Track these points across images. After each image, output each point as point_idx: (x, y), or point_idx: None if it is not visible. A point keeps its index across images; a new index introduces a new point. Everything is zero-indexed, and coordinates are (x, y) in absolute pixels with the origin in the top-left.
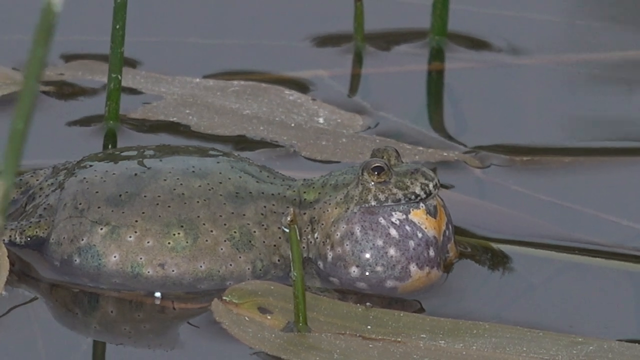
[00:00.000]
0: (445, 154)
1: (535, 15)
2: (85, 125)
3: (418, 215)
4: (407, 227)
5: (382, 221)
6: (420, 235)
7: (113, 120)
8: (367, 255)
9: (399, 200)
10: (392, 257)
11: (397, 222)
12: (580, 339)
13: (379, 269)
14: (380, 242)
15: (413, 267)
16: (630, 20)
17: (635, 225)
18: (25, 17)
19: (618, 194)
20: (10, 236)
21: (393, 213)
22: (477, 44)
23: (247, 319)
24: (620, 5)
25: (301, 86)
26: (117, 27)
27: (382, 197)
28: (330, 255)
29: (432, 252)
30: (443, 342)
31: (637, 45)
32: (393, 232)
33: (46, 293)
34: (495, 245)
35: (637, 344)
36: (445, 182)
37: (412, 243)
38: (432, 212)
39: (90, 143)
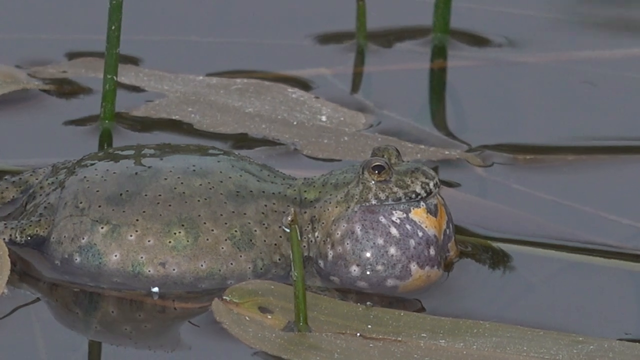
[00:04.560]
0: (447, 152)
1: (537, 12)
2: (81, 124)
3: (418, 214)
4: (408, 226)
5: (383, 220)
6: (420, 234)
7: (108, 119)
8: (368, 254)
9: (400, 199)
10: (392, 256)
11: (398, 221)
12: (580, 338)
13: (379, 267)
14: (380, 241)
15: (414, 266)
16: (633, 19)
17: (636, 224)
18: (25, 17)
19: (619, 193)
20: (10, 235)
21: (393, 212)
22: (479, 41)
23: (247, 318)
24: (623, 4)
25: (303, 84)
26: (113, 28)
27: (382, 196)
28: (330, 254)
29: (432, 251)
30: (443, 341)
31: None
32: (394, 230)
33: (47, 293)
34: (496, 244)
35: (637, 343)
36: (447, 180)
37: (412, 242)
38: (432, 211)
39: (85, 142)
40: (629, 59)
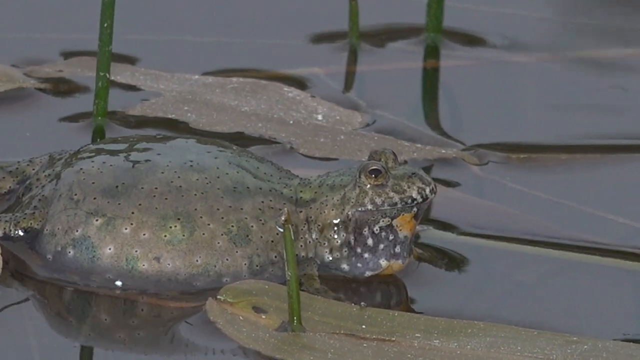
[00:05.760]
0: (443, 151)
1: (530, 12)
2: (74, 121)
3: (404, 218)
4: (383, 234)
5: (365, 232)
6: (391, 237)
7: (101, 116)
8: (353, 259)
9: (396, 204)
10: (366, 258)
11: (377, 231)
12: (574, 338)
13: (359, 265)
14: (359, 250)
15: (383, 261)
16: (626, 18)
17: (631, 223)
18: (21, 16)
19: (614, 192)
20: (4, 228)
21: (381, 220)
22: (472, 41)
23: (241, 318)
24: (616, 3)
25: (299, 83)
26: (105, 25)
27: (378, 200)
28: (329, 257)
29: (397, 249)
30: (437, 341)
31: (633, 43)
32: (370, 241)
33: (40, 291)
34: (491, 243)
35: (631, 343)
36: (443, 179)
37: (382, 245)
38: (418, 216)
39: (78, 139)
40: (622, 59)
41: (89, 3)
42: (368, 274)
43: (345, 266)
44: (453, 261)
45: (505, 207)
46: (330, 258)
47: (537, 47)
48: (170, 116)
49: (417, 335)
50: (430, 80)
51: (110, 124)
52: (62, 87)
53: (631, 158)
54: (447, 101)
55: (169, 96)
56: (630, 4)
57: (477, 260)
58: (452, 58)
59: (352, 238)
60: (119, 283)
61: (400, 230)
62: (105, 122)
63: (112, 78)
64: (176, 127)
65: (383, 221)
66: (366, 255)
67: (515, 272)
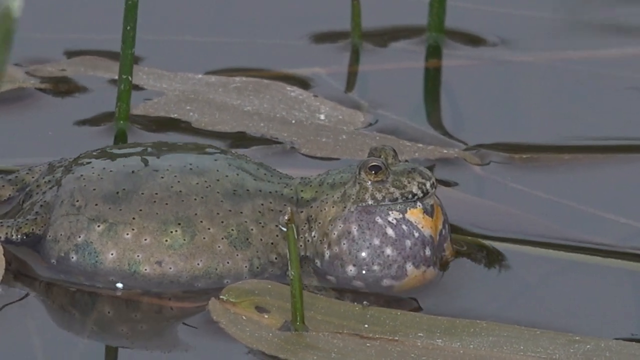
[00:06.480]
0: (445, 151)
1: (532, 12)
2: (95, 124)
3: (415, 214)
4: (404, 227)
5: (379, 220)
6: (416, 234)
7: (123, 120)
8: (364, 255)
9: (396, 199)
10: (388, 256)
11: (394, 222)
12: (577, 338)
13: (375, 268)
14: (377, 242)
15: (409, 267)
16: (627, 17)
17: (633, 223)
18: (25, 15)
19: (616, 192)
20: (6, 233)
21: (390, 212)
22: (474, 40)
23: (244, 318)
24: (618, 3)
25: (302, 83)
26: (128, 28)
27: (379, 196)
28: (327, 253)
29: (428, 252)
30: (440, 340)
31: (635, 43)
32: (390, 231)
33: (43, 292)
34: (493, 244)
35: (634, 342)
36: (444, 179)
37: (408, 242)
38: (429, 211)
39: (100, 142)
40: (623, 59)
41: (90, 2)
42: (387, 282)
43: (351, 268)
44: (491, 254)
45: (506, 207)
46: (329, 254)
47: (539, 46)
48: (172, 116)
49: (420, 334)
50: (432, 80)
51: (132, 127)
52: (62, 87)
53: (633, 158)
54: (449, 101)
55: (171, 95)
56: (632, 3)
57: (478, 260)
58: (454, 58)
59: (354, 228)
60: (121, 285)
61: (423, 228)
62: (127, 126)
63: (115, 77)
64: (179, 127)
65: (392, 213)
66: (389, 251)
67: (517, 272)
